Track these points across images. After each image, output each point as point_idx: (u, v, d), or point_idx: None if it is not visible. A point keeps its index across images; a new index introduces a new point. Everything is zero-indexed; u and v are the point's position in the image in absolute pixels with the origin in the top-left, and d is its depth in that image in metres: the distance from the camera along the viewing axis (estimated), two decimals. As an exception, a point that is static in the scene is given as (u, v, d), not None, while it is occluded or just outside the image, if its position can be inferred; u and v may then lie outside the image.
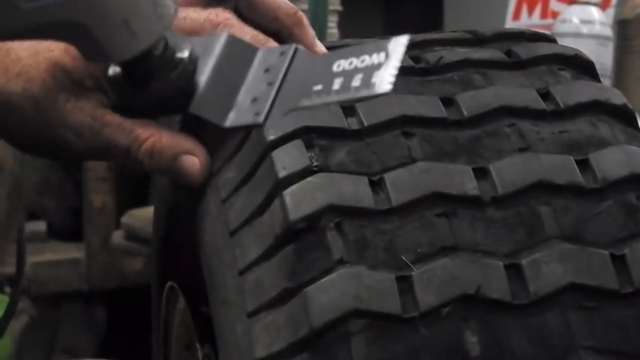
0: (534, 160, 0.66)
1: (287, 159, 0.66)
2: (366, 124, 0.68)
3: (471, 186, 0.65)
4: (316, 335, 0.60)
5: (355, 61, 0.56)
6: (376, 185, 0.64)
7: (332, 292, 0.60)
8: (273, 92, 0.59)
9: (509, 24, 1.94)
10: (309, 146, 0.66)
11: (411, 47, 0.77)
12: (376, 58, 0.55)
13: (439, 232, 0.63)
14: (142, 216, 2.03)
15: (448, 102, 0.70)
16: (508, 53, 0.77)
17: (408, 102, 0.70)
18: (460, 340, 0.60)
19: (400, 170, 0.65)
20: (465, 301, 0.60)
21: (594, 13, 1.78)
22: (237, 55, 0.60)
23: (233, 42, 0.60)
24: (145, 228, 1.89)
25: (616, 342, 0.60)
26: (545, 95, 0.71)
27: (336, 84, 0.56)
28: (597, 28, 1.77)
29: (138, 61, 0.57)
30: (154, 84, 0.57)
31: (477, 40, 0.82)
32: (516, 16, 1.95)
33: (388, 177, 0.65)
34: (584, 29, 1.76)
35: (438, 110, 0.69)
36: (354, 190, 0.64)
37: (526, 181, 0.65)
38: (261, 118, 0.58)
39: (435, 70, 0.75)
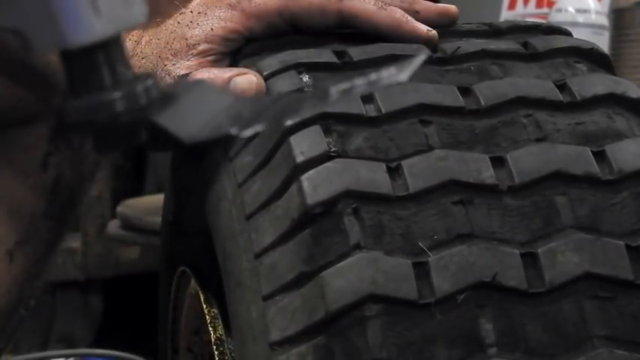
0: (551, 151, 0.66)
1: (305, 144, 0.66)
2: (383, 111, 0.68)
3: (487, 174, 0.65)
4: (332, 319, 0.60)
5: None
6: (393, 171, 0.65)
7: (348, 277, 0.60)
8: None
9: (505, 14, 1.93)
10: (326, 132, 0.67)
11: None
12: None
13: (456, 219, 0.63)
14: (138, 205, 2.02)
15: (465, 91, 0.70)
16: (524, 45, 0.78)
17: (426, 90, 0.70)
18: (475, 327, 0.60)
19: (417, 157, 0.65)
20: (480, 289, 0.60)
21: (590, 2, 1.78)
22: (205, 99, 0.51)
23: (206, 89, 0.52)
24: (141, 217, 1.90)
25: (630, 332, 0.60)
26: (562, 87, 0.72)
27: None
28: (593, 17, 1.77)
29: (92, 58, 0.46)
30: (105, 96, 0.46)
31: (493, 31, 0.82)
32: (512, 5, 1.94)
33: (405, 164, 0.65)
34: (580, 18, 1.76)
35: (455, 99, 0.69)
36: (372, 176, 0.64)
37: (543, 170, 0.65)
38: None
39: (453, 60, 0.75)
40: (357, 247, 0.62)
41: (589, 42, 0.79)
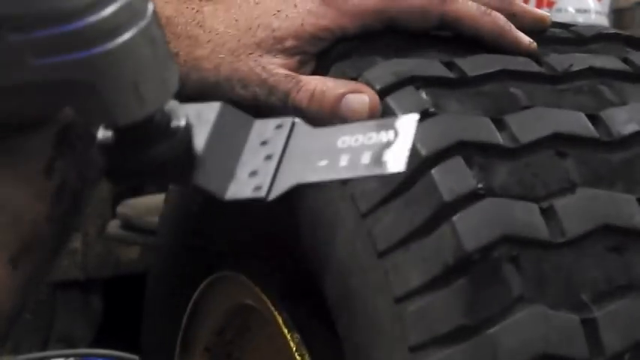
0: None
1: (450, 179, 0.61)
2: (520, 142, 0.64)
3: (639, 218, 0.62)
4: (503, 380, 0.56)
5: (361, 138, 0.51)
6: (546, 213, 0.61)
7: (519, 335, 0.57)
8: (273, 166, 0.54)
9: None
10: (468, 164, 0.62)
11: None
12: (384, 136, 0.51)
13: (613, 268, 0.60)
14: (138, 205, 1.98)
15: (592, 119, 0.67)
16: (625, 61, 0.74)
17: (558, 118, 0.66)
18: (644, 388, 0.57)
19: (568, 197, 0.61)
20: (647, 346, 0.58)
21: (590, 2, 1.76)
22: (232, 126, 0.57)
23: (227, 111, 0.56)
24: (141, 217, 1.87)
25: None
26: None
27: (343, 160, 0.51)
28: (593, 18, 1.75)
29: (137, 127, 0.53)
30: (151, 151, 0.54)
31: (579, 39, 0.78)
32: None
33: (558, 205, 0.61)
34: (580, 19, 1.75)
35: (587, 129, 0.66)
36: (528, 219, 0.60)
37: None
38: (263, 193, 0.53)
39: (564, 79, 0.71)
40: (520, 299, 0.58)
41: (683, 59, 0.77)
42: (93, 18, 0.47)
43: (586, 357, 0.57)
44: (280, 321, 0.72)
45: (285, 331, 0.71)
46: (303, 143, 0.54)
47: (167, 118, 0.54)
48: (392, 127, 0.51)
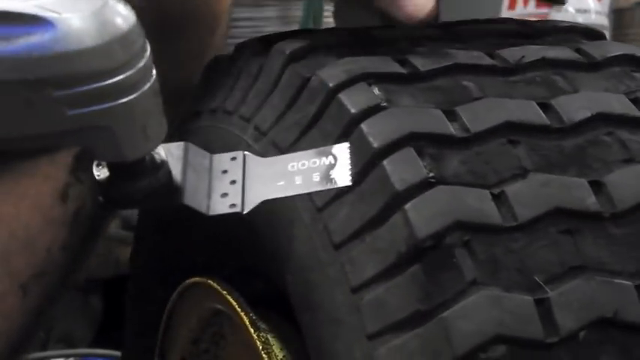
0: (645, 173, 0.64)
1: (401, 169, 0.62)
2: (472, 131, 0.65)
3: (591, 201, 0.62)
4: (458, 363, 0.56)
5: (307, 163, 0.63)
6: (497, 199, 0.61)
7: (473, 318, 0.57)
8: (239, 188, 0.65)
9: (505, 13, 1.91)
10: (420, 155, 0.63)
11: (457, 38, 0.75)
12: (325, 160, 0.62)
13: (566, 250, 0.60)
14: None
15: (544, 107, 0.68)
16: (578, 51, 0.75)
17: (509, 107, 0.67)
18: (599, 366, 0.58)
19: (520, 183, 0.62)
20: (602, 325, 0.58)
21: (590, 2, 1.78)
22: (196, 159, 0.67)
23: (190, 148, 0.67)
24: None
25: None
26: (635, 101, 0.70)
27: (298, 180, 0.62)
28: (593, 17, 1.77)
29: (135, 162, 0.63)
30: (145, 181, 0.64)
31: (532, 33, 0.79)
32: (512, 5, 1.92)
33: (509, 191, 0.62)
34: (580, 18, 1.76)
35: (539, 116, 0.67)
36: (479, 205, 0.61)
37: (641, 195, 0.63)
38: (238, 208, 0.64)
39: (517, 70, 0.72)
40: (474, 283, 0.58)
41: (636, 48, 0.78)
42: (121, 76, 0.59)
43: (540, 337, 0.57)
44: (248, 323, 0.72)
45: (252, 331, 0.72)
46: (259, 170, 0.65)
47: (152, 155, 0.64)
48: (329, 153, 0.62)
